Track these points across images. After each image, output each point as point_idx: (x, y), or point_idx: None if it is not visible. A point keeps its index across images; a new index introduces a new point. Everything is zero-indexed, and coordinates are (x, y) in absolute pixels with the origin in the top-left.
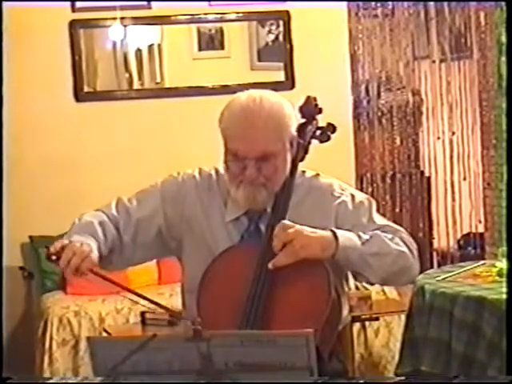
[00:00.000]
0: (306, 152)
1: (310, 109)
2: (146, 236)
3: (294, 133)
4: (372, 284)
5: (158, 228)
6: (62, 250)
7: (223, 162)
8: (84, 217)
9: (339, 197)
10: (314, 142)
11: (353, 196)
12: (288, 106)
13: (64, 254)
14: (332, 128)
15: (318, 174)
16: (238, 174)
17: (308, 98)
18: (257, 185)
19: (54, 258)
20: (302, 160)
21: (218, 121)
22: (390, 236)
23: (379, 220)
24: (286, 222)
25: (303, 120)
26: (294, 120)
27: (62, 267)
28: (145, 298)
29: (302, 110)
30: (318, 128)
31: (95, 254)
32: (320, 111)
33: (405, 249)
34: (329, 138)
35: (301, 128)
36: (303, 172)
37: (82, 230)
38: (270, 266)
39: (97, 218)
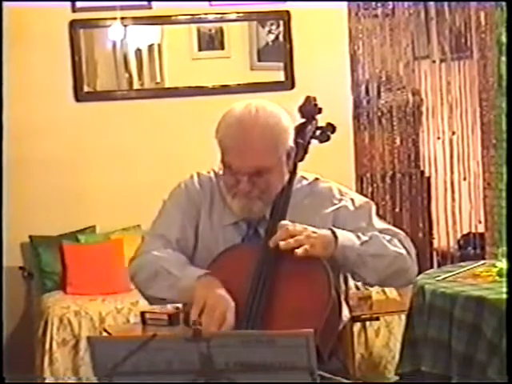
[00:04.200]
0: (305, 152)
1: (309, 109)
2: (187, 253)
3: (292, 144)
4: (370, 285)
5: (194, 241)
6: (201, 312)
7: (218, 169)
8: (159, 255)
9: (338, 202)
10: (314, 142)
11: (352, 200)
12: (286, 118)
13: (203, 321)
14: (331, 128)
15: (317, 179)
16: (233, 186)
17: (307, 97)
18: (251, 197)
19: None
20: (301, 160)
21: (215, 131)
22: (388, 238)
23: (379, 224)
24: (288, 222)
25: (303, 120)
26: (292, 131)
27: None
28: None
29: (301, 109)
30: (318, 128)
31: (231, 312)
32: (320, 111)
33: (403, 251)
34: (328, 138)
35: (300, 128)
36: (302, 177)
37: (182, 263)
38: (270, 243)
39: (168, 251)
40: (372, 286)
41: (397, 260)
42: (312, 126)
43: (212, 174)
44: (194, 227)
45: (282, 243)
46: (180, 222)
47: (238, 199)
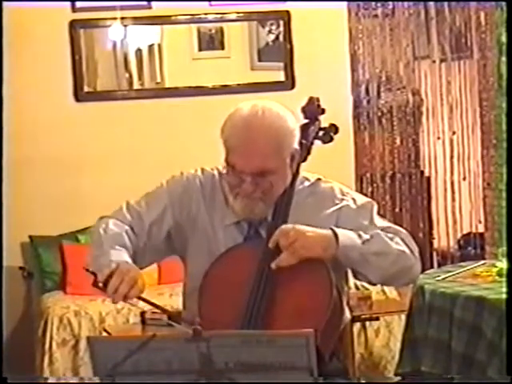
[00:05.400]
0: (308, 153)
1: (312, 109)
2: (157, 239)
3: (297, 146)
4: (373, 284)
5: (168, 230)
6: (110, 276)
7: (222, 169)
8: (109, 227)
9: (340, 202)
10: (317, 142)
11: (354, 200)
12: (292, 120)
13: (112, 281)
14: (334, 129)
15: (319, 179)
16: (235, 186)
17: (311, 98)
18: (253, 198)
19: (101, 285)
20: (304, 161)
21: (220, 130)
22: (390, 235)
23: (380, 222)
24: (287, 225)
25: (306, 120)
26: (297, 133)
27: (110, 295)
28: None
29: (304, 110)
30: (321, 129)
31: (142, 280)
32: (323, 112)
33: (406, 249)
34: (331, 139)
35: (303, 129)
36: (305, 178)
37: (115, 243)
38: (272, 266)
39: (120, 228)
40: (375, 284)
41: (400, 258)
42: (315, 127)
43: (215, 172)
44: (179, 220)
45: (270, 243)
46: (163, 208)
47: (239, 199)
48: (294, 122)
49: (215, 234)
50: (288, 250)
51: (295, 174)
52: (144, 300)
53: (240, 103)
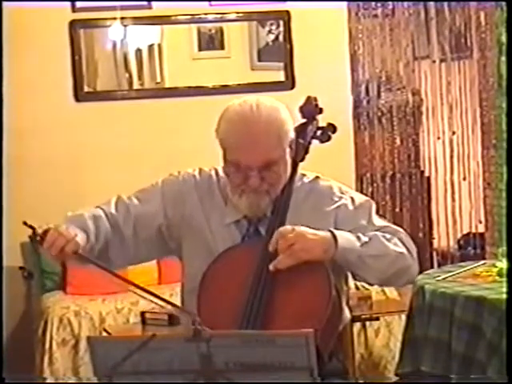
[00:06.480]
0: (306, 152)
1: (310, 109)
2: (147, 233)
3: (293, 135)
4: (371, 284)
5: (158, 227)
6: (48, 231)
7: (223, 170)
8: (77, 211)
9: (339, 200)
10: (315, 142)
11: (352, 199)
12: (284, 110)
13: (49, 235)
14: (332, 128)
15: (317, 177)
16: (241, 184)
17: (308, 98)
18: (260, 192)
19: (38, 238)
20: (302, 160)
21: (215, 131)
22: (388, 236)
23: (379, 222)
24: (287, 226)
25: (304, 120)
26: (291, 122)
27: (46, 248)
28: (142, 288)
29: (302, 110)
30: (319, 128)
31: (80, 238)
32: (320, 111)
33: (403, 250)
34: (329, 138)
35: (301, 128)
36: (303, 175)
37: (71, 222)
38: (271, 267)
39: (90, 212)
40: (374, 285)
41: (398, 260)
42: (313, 126)
43: (213, 172)
44: (172, 219)
45: (270, 247)
46: (155, 207)
47: (245, 196)
48: (286, 111)
49: (213, 234)
50: (286, 253)
51: (293, 173)
52: (143, 289)
53: (228, 103)
